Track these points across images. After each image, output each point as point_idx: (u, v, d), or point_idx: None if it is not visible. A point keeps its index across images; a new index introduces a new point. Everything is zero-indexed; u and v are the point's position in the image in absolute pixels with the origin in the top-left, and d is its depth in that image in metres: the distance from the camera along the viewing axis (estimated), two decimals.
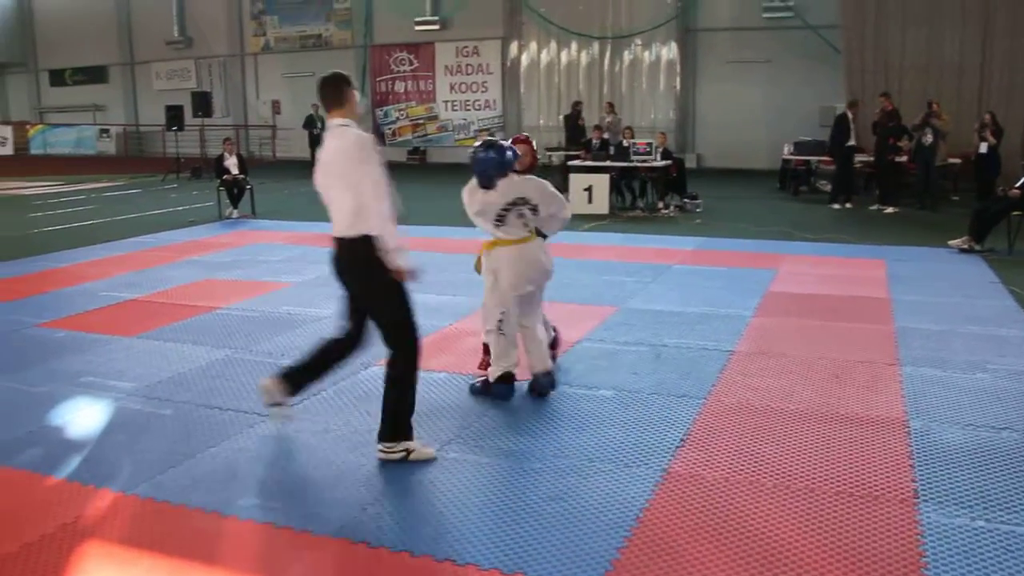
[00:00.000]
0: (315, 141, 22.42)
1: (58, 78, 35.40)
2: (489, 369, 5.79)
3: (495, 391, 5.69)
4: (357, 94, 4.79)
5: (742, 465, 4.57)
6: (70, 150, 32.53)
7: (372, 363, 6.45)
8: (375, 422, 4.85)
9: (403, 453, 4.67)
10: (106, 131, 32.90)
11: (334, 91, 4.69)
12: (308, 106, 24.05)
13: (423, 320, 6.22)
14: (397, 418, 4.69)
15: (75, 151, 32.33)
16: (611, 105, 20.66)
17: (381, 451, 4.70)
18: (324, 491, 4.33)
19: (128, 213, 16.28)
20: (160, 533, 3.97)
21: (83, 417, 5.51)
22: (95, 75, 34.39)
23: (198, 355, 6.76)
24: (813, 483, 4.35)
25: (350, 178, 4.48)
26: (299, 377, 5.06)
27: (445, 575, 3.53)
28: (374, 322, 4.76)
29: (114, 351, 6.93)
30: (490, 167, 5.46)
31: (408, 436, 4.71)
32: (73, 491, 4.43)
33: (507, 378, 5.68)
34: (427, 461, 4.66)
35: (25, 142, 32.73)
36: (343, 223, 4.56)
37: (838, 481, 4.36)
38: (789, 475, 4.44)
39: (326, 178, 4.62)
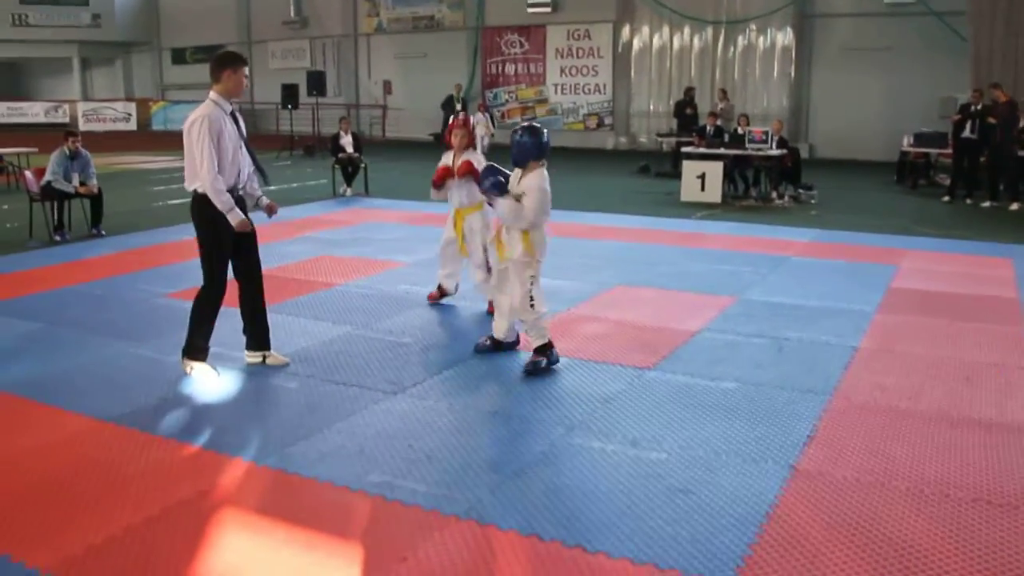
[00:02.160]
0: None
1: (179, 57, 36.52)
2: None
3: (552, 360, 6.00)
4: (238, 73, 5.71)
5: (872, 465, 4.45)
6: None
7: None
8: (497, 404, 4.99)
9: (190, 368, 5.82)
10: None
11: (214, 68, 5.71)
12: (419, 86, 24.28)
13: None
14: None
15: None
16: (724, 92, 20.34)
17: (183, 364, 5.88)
18: (451, 471, 4.36)
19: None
20: (292, 505, 4.06)
21: (212, 387, 5.68)
22: (214, 54, 35.31)
23: (320, 330, 6.89)
24: (947, 488, 4.20)
25: (187, 142, 5.55)
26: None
27: (575, 562, 3.52)
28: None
29: (238, 324, 7.07)
30: (531, 149, 5.89)
31: (194, 358, 5.82)
32: (208, 459, 4.58)
33: (550, 344, 6.04)
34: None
35: (148, 118, 33.84)
36: (186, 178, 5.68)
37: (974, 488, 4.21)
38: (922, 478, 4.31)
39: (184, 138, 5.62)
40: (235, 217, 5.60)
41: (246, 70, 5.83)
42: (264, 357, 6.09)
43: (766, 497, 4.08)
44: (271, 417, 5.15)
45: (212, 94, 5.68)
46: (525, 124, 6.13)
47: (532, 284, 5.92)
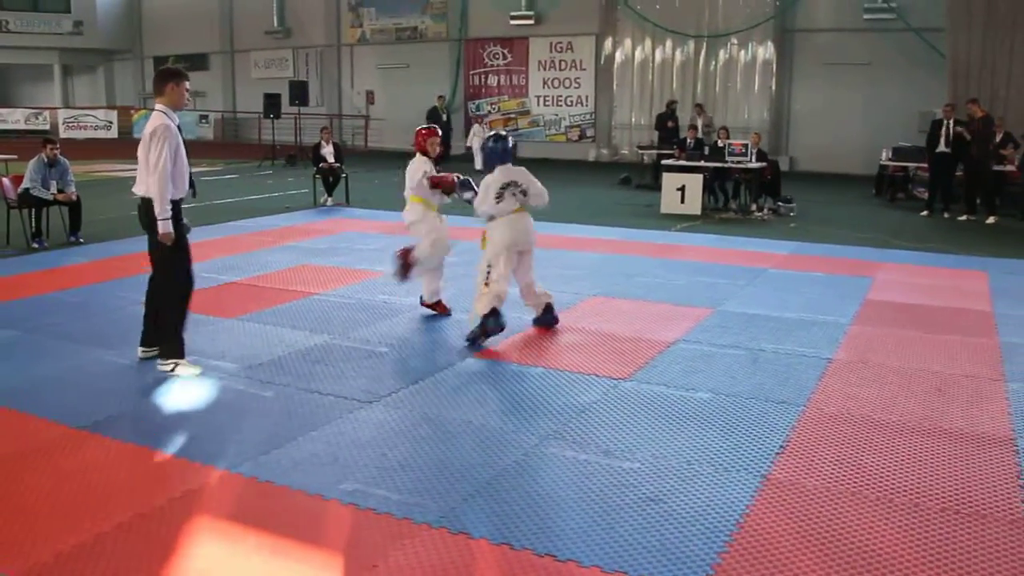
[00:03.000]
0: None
1: (162, 65, 36.37)
2: (471, 313, 6.92)
3: (489, 325, 6.70)
4: (180, 87, 5.96)
5: (844, 475, 4.49)
6: None
7: (469, 355, 6.53)
8: (472, 413, 5.10)
9: (174, 369, 6.03)
10: (205, 117, 33.71)
11: (157, 82, 5.97)
12: (401, 97, 24.30)
13: (514, 314, 6.39)
14: (164, 337, 6.10)
15: None
16: (700, 107, 20.41)
17: (141, 352, 6.28)
18: (424, 480, 4.37)
19: (226, 197, 16.67)
20: (264, 512, 4.07)
21: (188, 395, 5.67)
22: (196, 62, 35.22)
23: (297, 339, 6.89)
24: (917, 498, 4.25)
25: (142, 151, 5.77)
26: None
27: (546, 570, 3.54)
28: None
29: (216, 332, 7.11)
30: (494, 155, 6.99)
31: (176, 356, 6.07)
32: (181, 466, 4.57)
33: (494, 312, 6.72)
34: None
35: (129, 126, 33.66)
36: (138, 184, 5.89)
37: (944, 497, 4.26)
38: (892, 488, 4.35)
39: (139, 147, 5.84)
40: (165, 226, 5.80)
41: (188, 84, 6.07)
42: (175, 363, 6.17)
43: (737, 506, 4.11)
44: (246, 425, 5.14)
45: (159, 106, 5.92)
46: (493, 133, 7.35)
47: (490, 265, 6.84)
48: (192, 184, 6.32)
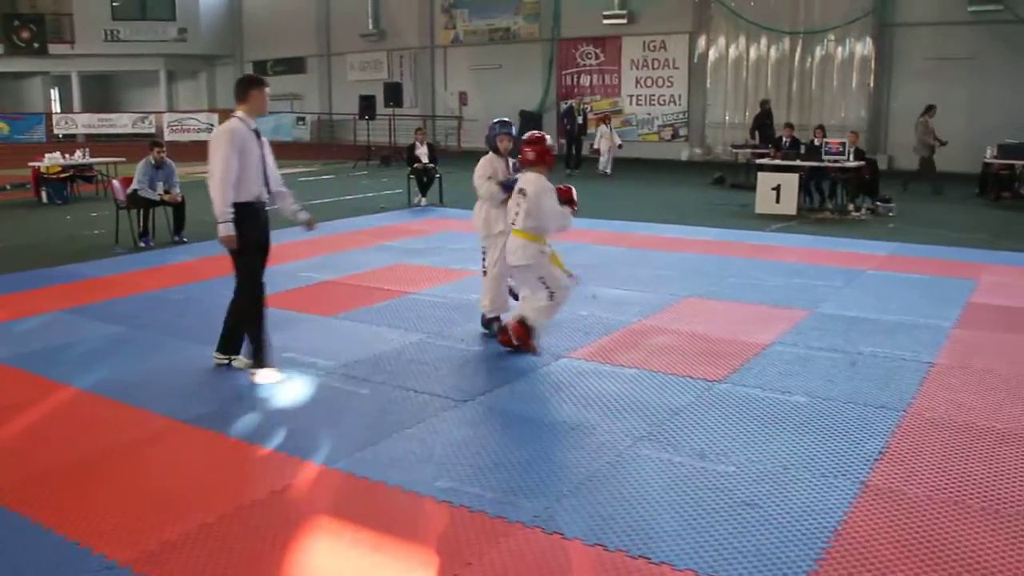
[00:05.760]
0: (571, 134, 22.71)
1: (260, 69, 37.27)
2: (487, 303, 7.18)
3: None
4: (262, 93, 6.12)
5: (946, 483, 4.37)
6: (268, 136, 33.96)
7: (562, 355, 6.55)
8: (565, 414, 5.14)
9: (226, 361, 6.28)
10: (302, 119, 34.42)
11: (238, 90, 6.10)
12: (493, 97, 24.33)
13: (607, 314, 6.33)
14: (228, 337, 6.25)
15: (272, 137, 33.30)
16: (822, 128, 19.39)
17: (215, 357, 6.32)
18: (518, 479, 4.40)
19: (322, 198, 17.02)
20: (361, 508, 4.15)
21: (286, 391, 5.82)
22: (294, 66, 36.08)
23: (392, 337, 7.01)
24: None
25: (211, 152, 5.88)
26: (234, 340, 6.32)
27: (640, 572, 3.54)
28: None
29: (313, 329, 7.28)
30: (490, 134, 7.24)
31: (237, 352, 6.27)
32: (280, 461, 4.70)
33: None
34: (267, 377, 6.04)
35: None
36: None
37: None
38: (997, 498, 4.21)
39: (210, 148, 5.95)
40: (225, 229, 5.88)
41: (268, 91, 6.22)
42: (230, 361, 6.37)
43: (835, 513, 4.04)
44: (343, 422, 5.26)
45: (239, 112, 6.07)
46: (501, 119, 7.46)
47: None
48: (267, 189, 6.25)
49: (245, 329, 6.17)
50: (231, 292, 6.22)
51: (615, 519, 3.97)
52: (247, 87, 6.09)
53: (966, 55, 21.76)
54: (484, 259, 7.22)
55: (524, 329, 6.53)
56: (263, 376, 6.05)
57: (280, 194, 6.37)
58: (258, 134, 6.13)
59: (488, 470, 4.51)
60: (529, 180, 6.46)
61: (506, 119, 7.46)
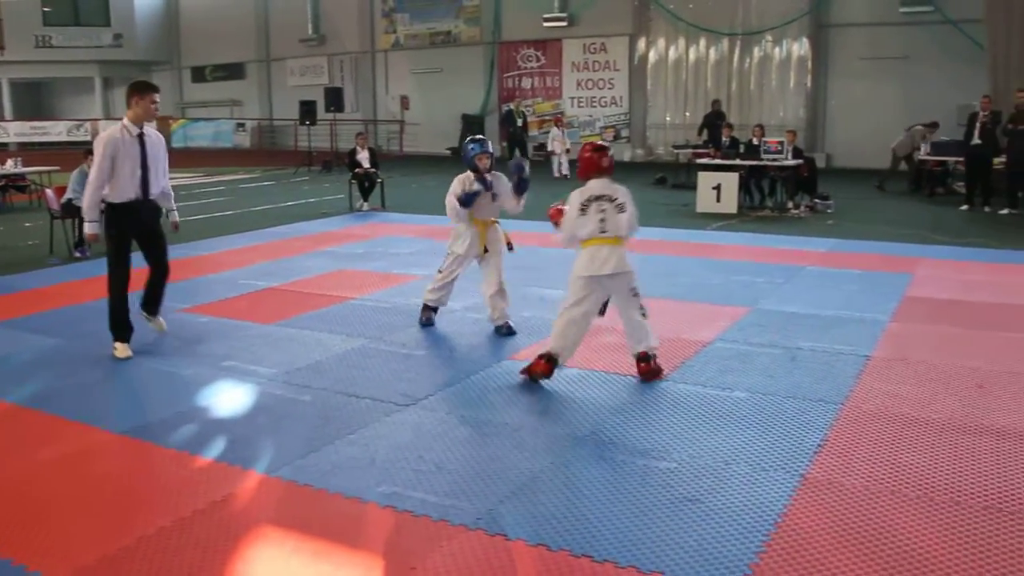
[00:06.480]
0: (512, 136, 22.57)
1: (199, 75, 36.92)
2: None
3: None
4: (145, 99, 6.48)
5: (883, 474, 4.45)
6: (208, 143, 33.87)
7: (506, 357, 6.55)
8: (508, 415, 5.21)
9: (150, 317, 6.98)
10: (242, 125, 34.13)
11: (126, 96, 6.55)
12: (435, 101, 24.29)
13: (551, 315, 6.40)
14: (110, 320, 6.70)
15: (212, 144, 33.63)
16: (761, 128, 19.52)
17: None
18: (461, 482, 4.39)
19: (263, 204, 16.85)
20: (303, 516, 4.11)
21: (227, 400, 5.75)
22: (233, 71, 35.73)
23: (334, 343, 6.95)
24: (958, 496, 4.19)
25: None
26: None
27: (583, 571, 3.54)
28: None
29: (254, 337, 7.19)
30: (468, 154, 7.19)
31: (116, 339, 6.68)
32: (221, 471, 4.62)
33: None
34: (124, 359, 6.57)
35: (168, 136, 34.15)
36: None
37: (985, 495, 4.20)
38: (932, 486, 4.30)
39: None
40: (88, 228, 6.54)
41: (156, 96, 6.58)
42: (150, 320, 7.13)
43: (775, 506, 4.09)
44: (285, 429, 5.20)
45: (125, 119, 6.52)
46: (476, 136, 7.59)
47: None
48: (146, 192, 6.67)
49: (111, 305, 6.67)
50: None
51: (558, 519, 3.98)
52: (129, 94, 6.51)
53: (899, 54, 22.26)
54: (445, 278, 7.35)
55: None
56: (118, 351, 6.61)
57: (163, 196, 6.87)
58: (142, 140, 6.52)
59: (431, 474, 4.49)
60: (614, 188, 6.05)
61: (480, 136, 7.58)
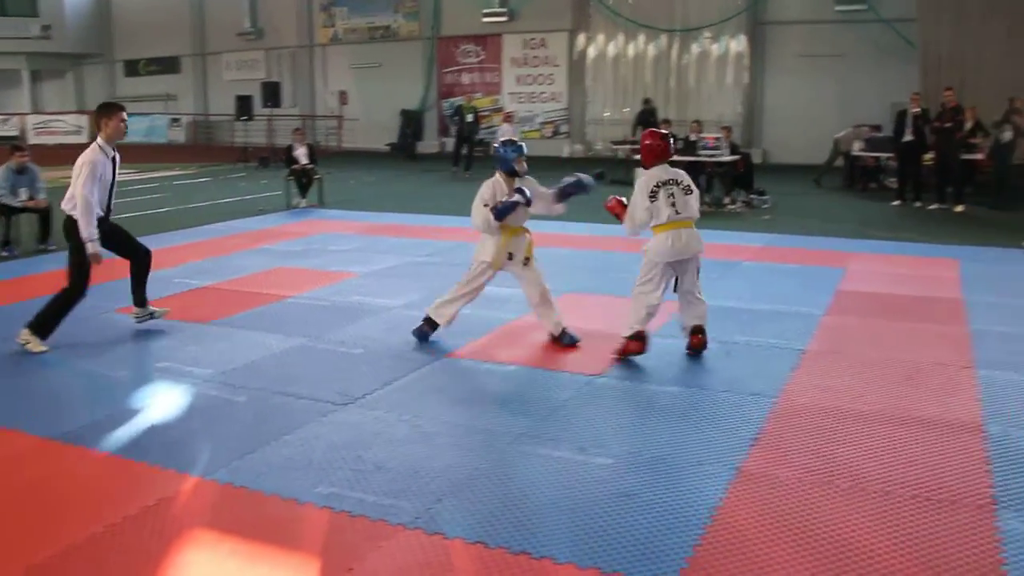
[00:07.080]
0: (461, 134, 22.32)
1: (132, 68, 36.18)
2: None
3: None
4: (115, 119, 6.66)
5: (816, 465, 4.53)
6: (142, 138, 33.15)
7: (444, 354, 6.54)
8: (446, 413, 5.19)
9: (29, 343, 6.60)
10: (177, 120, 33.53)
11: (95, 119, 6.79)
12: (374, 97, 24.06)
13: (488, 312, 6.92)
14: (45, 321, 6.64)
15: (146, 140, 32.91)
16: (698, 123, 19.68)
17: (23, 335, 6.63)
18: (398, 481, 4.37)
19: (198, 201, 16.59)
20: (239, 518, 4.06)
21: (161, 402, 5.64)
22: (167, 65, 35.08)
23: (271, 343, 6.87)
24: (888, 486, 4.29)
25: (73, 176, 6.55)
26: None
27: (521, 568, 3.55)
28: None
29: (189, 337, 7.08)
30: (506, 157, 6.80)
31: (41, 336, 6.64)
32: (154, 474, 4.54)
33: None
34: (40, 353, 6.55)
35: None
36: (65, 202, 6.63)
37: (914, 484, 4.30)
38: (864, 477, 4.39)
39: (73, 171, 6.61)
40: (92, 247, 6.60)
41: (124, 115, 6.76)
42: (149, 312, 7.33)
43: (710, 499, 4.14)
44: (219, 431, 5.13)
45: (98, 140, 6.67)
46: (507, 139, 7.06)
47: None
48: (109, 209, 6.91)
49: (56, 310, 6.69)
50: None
51: (496, 517, 3.98)
52: (99, 117, 6.73)
53: (834, 52, 22.62)
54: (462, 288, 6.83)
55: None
56: (34, 344, 6.60)
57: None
58: (115, 162, 6.76)
59: (369, 473, 4.47)
60: (676, 172, 6.45)
61: (512, 139, 7.15)
